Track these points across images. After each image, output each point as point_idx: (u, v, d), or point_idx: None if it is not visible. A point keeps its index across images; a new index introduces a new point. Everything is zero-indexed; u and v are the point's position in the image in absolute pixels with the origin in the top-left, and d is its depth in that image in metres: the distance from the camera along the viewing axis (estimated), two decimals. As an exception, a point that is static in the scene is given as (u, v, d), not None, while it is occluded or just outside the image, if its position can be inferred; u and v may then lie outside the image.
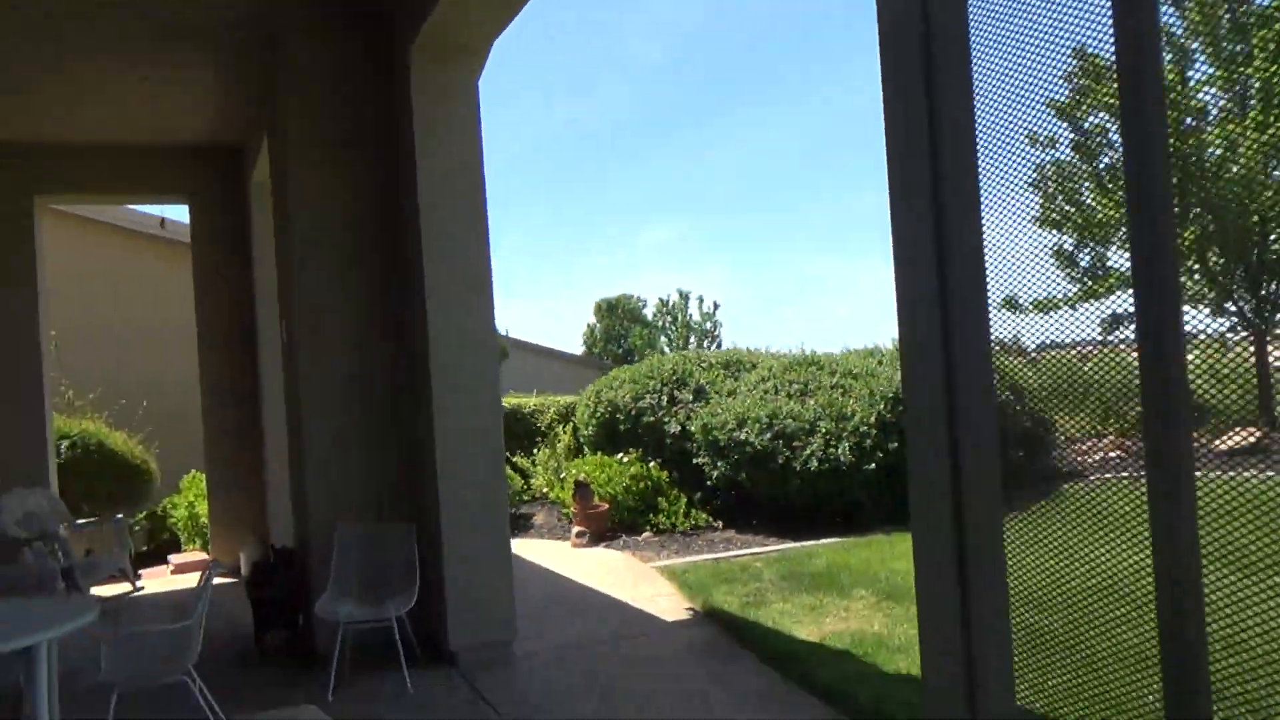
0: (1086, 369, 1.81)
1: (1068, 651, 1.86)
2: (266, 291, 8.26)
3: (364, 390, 6.01)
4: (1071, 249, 1.84)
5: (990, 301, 1.95)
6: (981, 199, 1.97)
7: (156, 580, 9.23)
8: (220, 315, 9.19)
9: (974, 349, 1.98)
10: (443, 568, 5.53)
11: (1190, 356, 1.57)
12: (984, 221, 1.96)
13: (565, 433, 13.20)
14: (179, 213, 11.88)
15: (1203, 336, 1.58)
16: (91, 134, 8.37)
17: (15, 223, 8.34)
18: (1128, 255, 1.65)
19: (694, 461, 10.54)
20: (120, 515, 8.56)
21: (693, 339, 34.11)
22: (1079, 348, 1.80)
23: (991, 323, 1.95)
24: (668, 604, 6.86)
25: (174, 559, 9.94)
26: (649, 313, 36.23)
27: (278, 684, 5.49)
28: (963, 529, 2.02)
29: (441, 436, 5.57)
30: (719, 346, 30.98)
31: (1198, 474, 1.56)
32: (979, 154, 1.97)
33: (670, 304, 35.34)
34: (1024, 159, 1.88)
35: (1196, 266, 1.69)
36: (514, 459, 12.48)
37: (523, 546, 9.39)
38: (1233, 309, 1.64)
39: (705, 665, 5.43)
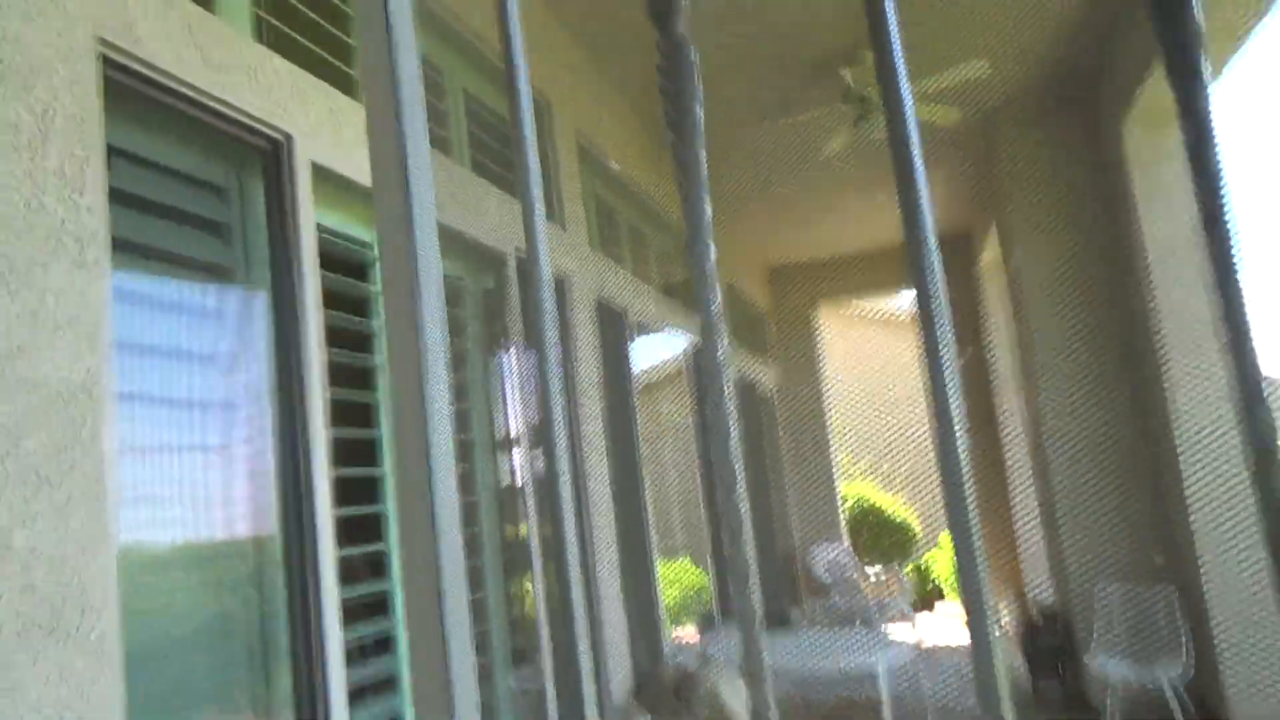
0: None
1: None
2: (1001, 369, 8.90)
3: (1100, 447, 6.22)
4: None
5: None
6: None
7: (924, 624, 10.35)
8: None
9: None
10: (1210, 629, 5.37)
11: None
12: None
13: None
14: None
15: None
16: (838, 246, 10.14)
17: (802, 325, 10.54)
18: None
19: None
20: (896, 565, 9.92)
21: None
22: None
23: None
24: None
25: (939, 605, 11.01)
26: None
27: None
28: None
29: (1194, 491, 5.48)
30: None
31: None
32: None
33: None
34: None
35: None
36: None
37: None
38: None
39: None
